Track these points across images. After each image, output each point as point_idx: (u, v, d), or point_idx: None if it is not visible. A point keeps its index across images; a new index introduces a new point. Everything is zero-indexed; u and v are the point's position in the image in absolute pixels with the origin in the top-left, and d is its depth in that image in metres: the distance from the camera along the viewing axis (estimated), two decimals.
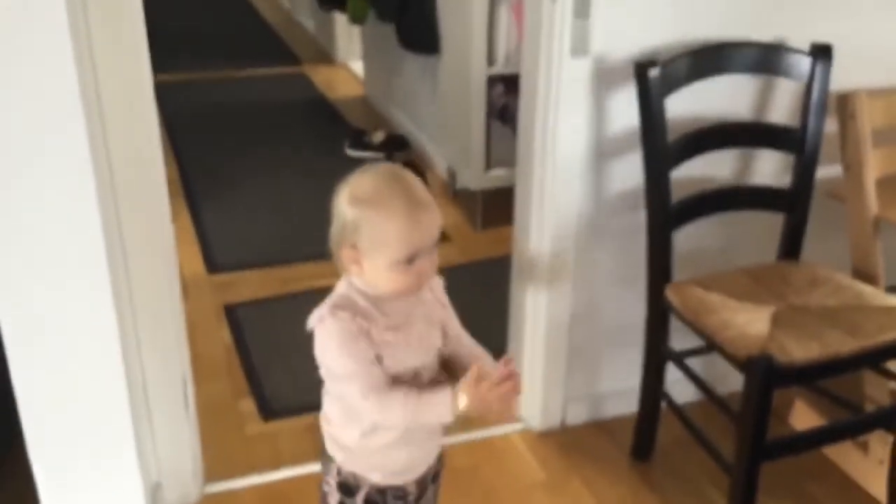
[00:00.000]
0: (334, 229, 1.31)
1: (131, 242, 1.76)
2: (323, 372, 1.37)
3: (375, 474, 1.43)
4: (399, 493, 1.47)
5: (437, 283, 1.44)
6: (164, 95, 5.13)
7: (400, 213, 1.24)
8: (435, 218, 1.28)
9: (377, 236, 1.26)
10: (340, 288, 1.36)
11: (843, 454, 2.15)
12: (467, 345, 1.45)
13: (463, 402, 1.27)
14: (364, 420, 1.36)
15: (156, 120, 1.74)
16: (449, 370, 1.43)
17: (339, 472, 1.45)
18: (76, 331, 1.54)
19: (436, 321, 1.42)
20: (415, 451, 1.44)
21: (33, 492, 1.64)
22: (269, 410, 2.38)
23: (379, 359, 1.32)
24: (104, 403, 1.62)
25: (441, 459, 1.55)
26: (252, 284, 3.02)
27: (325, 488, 1.49)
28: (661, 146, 1.91)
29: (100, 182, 1.51)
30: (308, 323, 1.33)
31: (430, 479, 1.54)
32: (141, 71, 1.68)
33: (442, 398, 1.29)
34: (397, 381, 1.33)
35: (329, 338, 1.30)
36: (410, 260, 1.26)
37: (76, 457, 1.64)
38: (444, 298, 1.45)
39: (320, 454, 1.48)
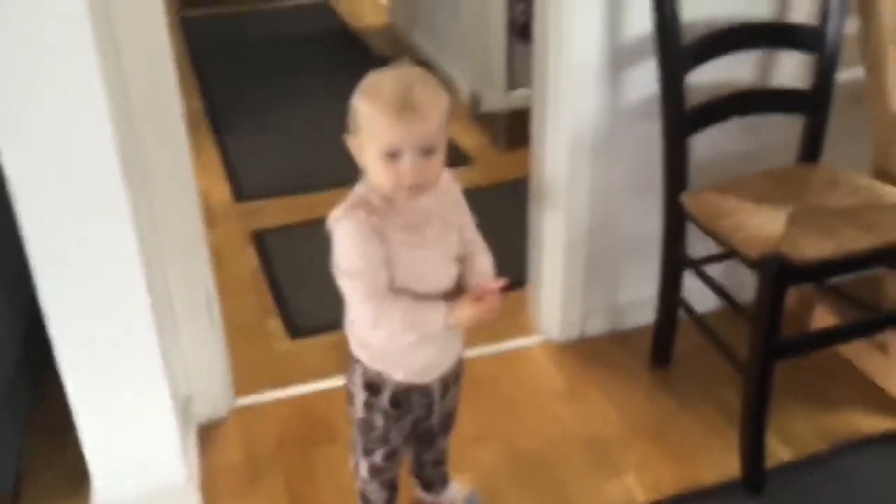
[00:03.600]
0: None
1: (152, 169, 1.80)
2: (337, 272, 1.40)
3: (399, 372, 1.48)
4: (424, 391, 1.52)
5: (454, 187, 1.48)
6: (190, 29, 5.14)
7: (386, 107, 1.29)
8: (423, 124, 1.30)
9: (367, 125, 1.32)
10: (357, 189, 1.40)
11: (862, 355, 2.15)
12: (475, 252, 1.50)
13: (457, 317, 1.39)
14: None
15: (169, 47, 1.76)
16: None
17: (364, 372, 1.50)
18: (99, 254, 1.57)
19: (452, 224, 1.46)
20: (437, 351, 1.49)
21: (68, 413, 1.70)
22: (295, 329, 2.43)
23: (393, 263, 1.37)
24: (131, 322, 1.66)
25: (462, 362, 1.60)
26: (278, 211, 3.06)
27: (352, 389, 1.54)
28: (676, 48, 1.87)
29: (116, 110, 1.53)
30: (327, 223, 1.39)
31: (452, 381, 1.59)
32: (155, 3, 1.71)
33: (436, 314, 1.39)
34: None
35: (344, 235, 1.36)
36: (392, 155, 1.31)
37: (107, 376, 1.68)
38: (461, 201, 1.49)
39: (347, 360, 1.53)
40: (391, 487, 1.67)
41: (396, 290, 1.39)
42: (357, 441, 1.60)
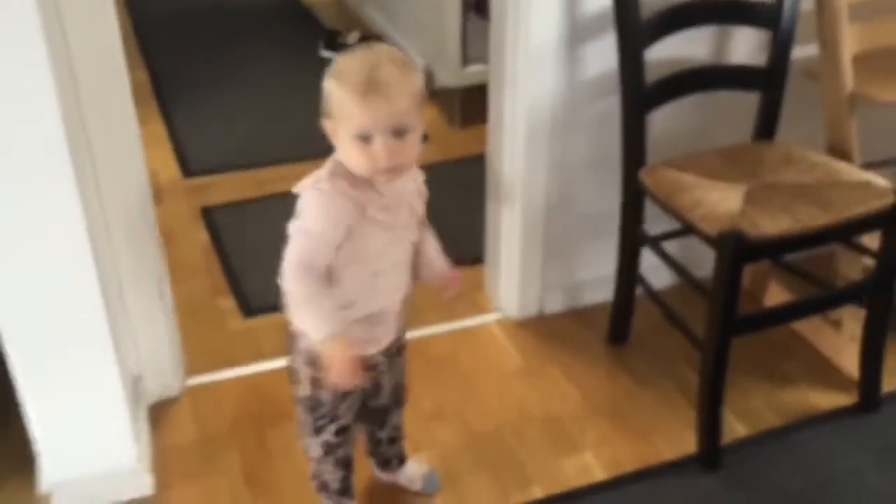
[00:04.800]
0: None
1: (98, 144, 1.75)
2: (293, 226, 1.38)
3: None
4: (368, 364, 1.50)
5: (419, 175, 1.48)
6: (135, 2, 4.98)
7: (353, 89, 1.29)
8: (392, 105, 1.29)
9: (338, 108, 1.32)
10: (329, 165, 1.38)
11: (816, 331, 2.18)
12: (424, 237, 1.53)
13: (328, 350, 1.37)
14: (341, 294, 1.40)
15: (115, 20, 1.70)
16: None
17: (306, 346, 1.47)
18: (45, 232, 1.53)
19: (417, 210, 1.47)
20: (383, 327, 1.50)
21: (14, 393, 1.65)
22: (248, 308, 2.38)
23: (363, 239, 1.37)
24: (79, 301, 1.62)
25: (403, 333, 1.61)
26: (228, 187, 2.99)
27: (295, 365, 1.52)
28: (634, 23, 1.86)
29: (61, 84, 1.48)
30: (298, 189, 1.37)
31: (396, 351, 1.59)
32: None
33: (319, 330, 1.37)
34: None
35: (320, 198, 1.34)
36: (364, 138, 1.30)
37: (54, 355, 1.64)
38: (424, 191, 1.50)
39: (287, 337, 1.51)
40: (346, 465, 1.65)
41: (358, 266, 1.39)
42: (305, 421, 1.57)
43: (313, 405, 1.54)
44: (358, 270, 1.40)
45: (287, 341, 1.53)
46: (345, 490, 1.67)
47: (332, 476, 1.64)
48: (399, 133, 1.31)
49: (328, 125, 1.36)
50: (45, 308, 1.60)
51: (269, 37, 4.37)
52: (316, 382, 1.50)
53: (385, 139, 1.30)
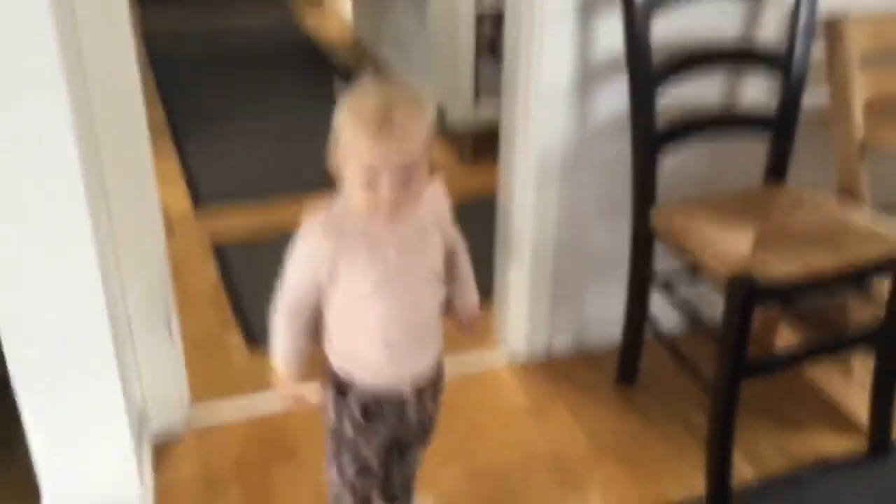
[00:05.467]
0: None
1: (112, 178, 1.76)
2: None
3: (365, 376, 1.45)
4: (396, 402, 1.49)
5: (442, 202, 1.47)
6: (153, 43, 5.07)
7: (365, 126, 1.27)
8: (403, 145, 1.27)
9: (346, 142, 1.30)
10: (337, 199, 1.38)
11: (826, 377, 2.17)
12: (463, 283, 1.57)
13: (277, 381, 1.50)
14: (355, 326, 1.42)
15: (134, 58, 1.72)
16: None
17: (332, 371, 1.48)
18: (56, 264, 1.53)
19: (434, 242, 1.44)
20: (402, 360, 1.46)
21: (19, 426, 1.65)
22: (255, 342, 2.38)
23: (356, 277, 1.36)
24: (87, 335, 1.61)
25: (442, 376, 1.57)
26: (239, 222, 3.01)
27: (324, 389, 1.51)
28: (646, 66, 1.88)
29: (79, 120, 1.49)
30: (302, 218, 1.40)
31: (430, 394, 1.54)
32: (120, 11, 1.67)
33: (277, 354, 1.48)
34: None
35: (303, 236, 1.38)
36: (370, 177, 1.28)
37: (60, 388, 1.63)
38: (447, 214, 1.48)
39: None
40: (366, 501, 1.60)
41: (365, 302, 1.39)
42: (330, 448, 1.55)
43: (337, 436, 1.52)
44: (368, 304, 1.38)
45: (322, 368, 1.52)
46: None
47: None
48: (406, 174, 1.29)
49: (335, 157, 1.34)
50: (52, 339, 1.59)
51: (284, 76, 4.42)
52: (339, 411, 1.49)
53: (391, 179, 1.28)
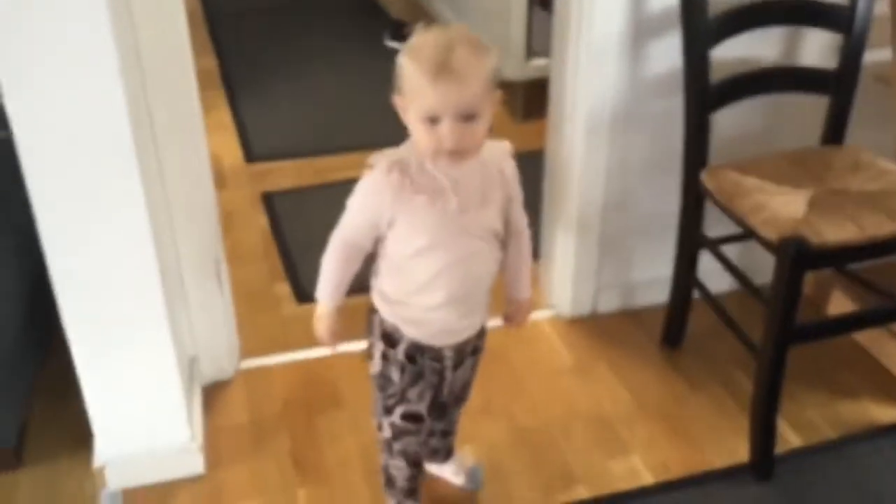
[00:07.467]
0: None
1: (162, 129, 1.78)
2: None
3: (412, 330, 1.47)
4: (436, 355, 1.51)
5: (509, 165, 1.46)
6: None
7: (426, 69, 1.27)
8: (462, 91, 1.27)
9: (409, 86, 1.31)
10: (403, 145, 1.40)
11: (878, 344, 2.12)
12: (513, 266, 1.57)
13: (318, 314, 1.52)
14: (410, 280, 1.43)
15: (182, 8, 1.73)
16: None
17: (382, 323, 1.50)
18: (107, 215, 1.56)
19: (495, 200, 1.44)
20: (454, 317, 1.47)
21: (73, 372, 1.69)
22: (303, 293, 2.41)
23: (413, 225, 1.37)
24: (138, 283, 1.65)
25: (483, 336, 1.58)
26: (289, 174, 3.03)
27: (371, 339, 1.54)
28: (701, 21, 1.83)
29: (127, 69, 1.51)
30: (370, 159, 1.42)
31: (470, 352, 1.57)
32: None
33: (321, 296, 1.50)
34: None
35: (366, 178, 1.39)
36: (432, 119, 1.29)
37: (112, 335, 1.68)
38: (513, 182, 1.48)
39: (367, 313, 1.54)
40: (414, 464, 1.64)
41: (424, 252, 1.39)
42: (377, 399, 1.58)
43: (383, 383, 1.54)
44: (424, 257, 1.39)
45: (367, 316, 1.54)
46: (411, 491, 1.66)
47: (400, 473, 1.64)
48: (468, 117, 1.29)
49: (398, 101, 1.34)
50: (104, 289, 1.63)
51: (335, 27, 4.40)
52: (386, 358, 1.51)
53: (452, 122, 1.28)
